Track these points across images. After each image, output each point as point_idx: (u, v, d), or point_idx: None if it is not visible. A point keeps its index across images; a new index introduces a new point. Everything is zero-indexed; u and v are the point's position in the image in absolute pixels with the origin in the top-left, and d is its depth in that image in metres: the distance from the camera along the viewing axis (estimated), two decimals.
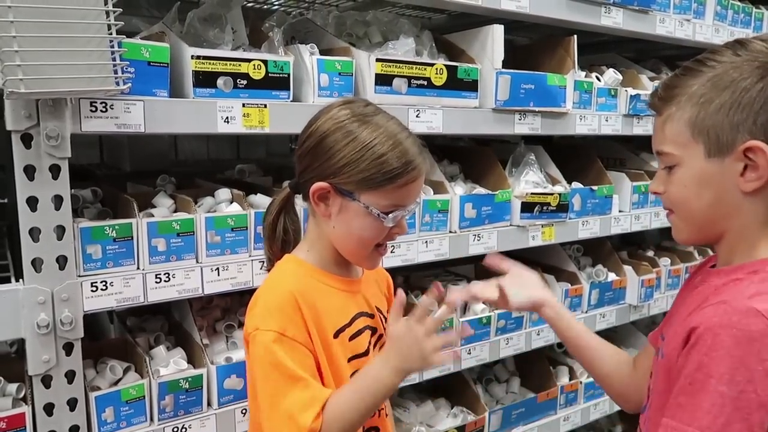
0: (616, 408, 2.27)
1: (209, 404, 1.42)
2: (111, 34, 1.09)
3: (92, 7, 1.08)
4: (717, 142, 0.81)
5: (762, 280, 0.80)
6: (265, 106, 1.38)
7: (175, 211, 1.43)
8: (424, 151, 1.05)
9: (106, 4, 1.09)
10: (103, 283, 1.24)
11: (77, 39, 1.06)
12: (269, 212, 1.15)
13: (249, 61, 1.35)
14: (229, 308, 1.66)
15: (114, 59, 1.10)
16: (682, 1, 2.16)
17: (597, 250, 2.39)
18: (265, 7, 2.01)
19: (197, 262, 1.35)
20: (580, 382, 2.18)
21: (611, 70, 2.09)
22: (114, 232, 1.25)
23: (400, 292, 1.00)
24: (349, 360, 1.06)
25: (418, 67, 1.58)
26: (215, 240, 1.36)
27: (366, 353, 1.09)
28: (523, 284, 1.18)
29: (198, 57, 1.29)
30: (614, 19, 1.96)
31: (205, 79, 1.31)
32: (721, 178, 0.82)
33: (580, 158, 2.25)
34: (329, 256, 1.08)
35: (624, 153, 2.51)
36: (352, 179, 0.99)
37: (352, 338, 1.07)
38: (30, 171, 1.14)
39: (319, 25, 1.67)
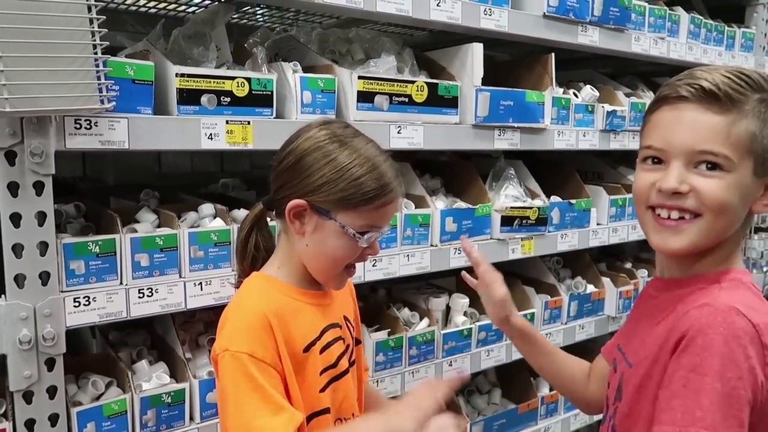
0: (597, 418, 2.31)
1: (191, 418, 1.43)
2: (96, 53, 1.11)
3: (77, 27, 1.10)
4: (763, 163, 0.86)
5: (729, 287, 0.85)
6: (249, 123, 1.40)
7: (159, 226, 1.45)
8: (399, 175, 1.08)
9: (91, 23, 1.11)
10: (86, 299, 1.26)
11: (62, 58, 1.08)
12: (242, 228, 1.17)
13: (233, 78, 1.38)
14: (212, 322, 1.67)
15: (99, 78, 1.13)
16: (656, 20, 2.23)
17: (576, 263, 2.44)
18: (249, 23, 2.04)
19: (180, 276, 1.37)
20: (559, 395, 2.22)
21: (588, 86, 2.15)
22: (97, 247, 1.27)
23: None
24: (321, 372, 1.08)
25: (399, 84, 1.62)
26: (198, 255, 1.38)
27: (335, 364, 1.11)
28: (493, 285, 1.25)
29: (182, 75, 1.32)
30: (591, 38, 2.03)
31: (189, 97, 1.33)
32: (750, 194, 0.87)
33: (559, 172, 2.31)
34: (300, 272, 1.10)
35: (601, 167, 2.57)
36: (329, 198, 1.01)
37: (322, 351, 1.09)
38: (13, 188, 1.16)
39: (302, 43, 1.71)
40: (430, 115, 1.70)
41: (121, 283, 1.30)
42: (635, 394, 0.88)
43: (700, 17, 2.43)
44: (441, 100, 1.72)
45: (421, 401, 1.00)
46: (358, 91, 1.55)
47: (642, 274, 2.54)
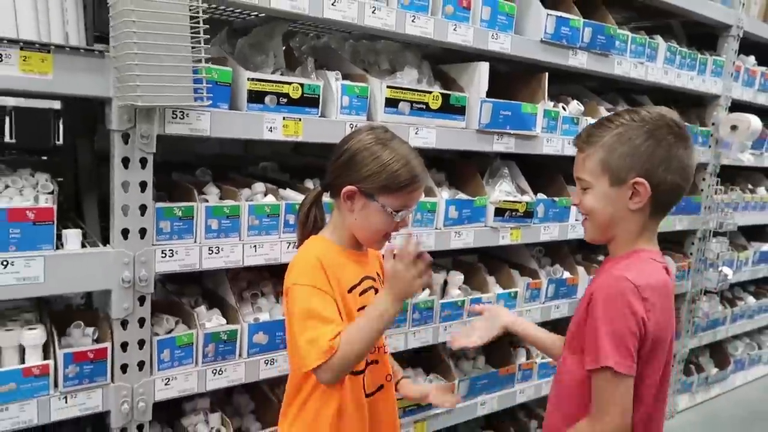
0: None
1: (240, 354, 1.81)
2: (201, 61, 1.48)
3: (182, 40, 1.46)
4: (617, 176, 1.25)
5: (630, 261, 1.26)
6: (300, 119, 1.78)
7: (221, 199, 1.83)
8: (425, 169, 1.46)
9: (198, 34, 1.47)
10: (171, 251, 1.63)
11: (176, 66, 1.45)
12: (304, 204, 1.55)
13: (290, 83, 1.76)
14: (252, 281, 2.05)
15: (200, 81, 1.50)
16: (637, 47, 2.64)
17: (556, 252, 2.85)
18: (289, 28, 2.41)
19: (240, 240, 1.75)
20: (535, 362, 2.64)
21: (575, 101, 2.55)
22: (180, 212, 1.64)
23: (389, 245, 1.39)
24: (359, 310, 1.47)
25: (419, 93, 2.01)
26: (255, 223, 1.76)
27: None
28: (496, 315, 1.66)
29: (252, 79, 1.69)
30: (579, 60, 2.43)
31: (256, 97, 1.71)
32: (617, 199, 1.27)
33: (546, 174, 2.71)
34: (347, 238, 1.48)
35: None
36: (374, 186, 1.39)
37: (361, 294, 1.48)
38: (126, 162, 1.53)
39: (342, 56, 2.08)
40: (442, 120, 2.09)
41: (195, 242, 1.68)
42: (572, 336, 1.31)
43: (676, 46, 2.84)
44: (452, 108, 2.11)
45: (393, 280, 1.31)
46: (386, 98, 1.94)
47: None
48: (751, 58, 3.34)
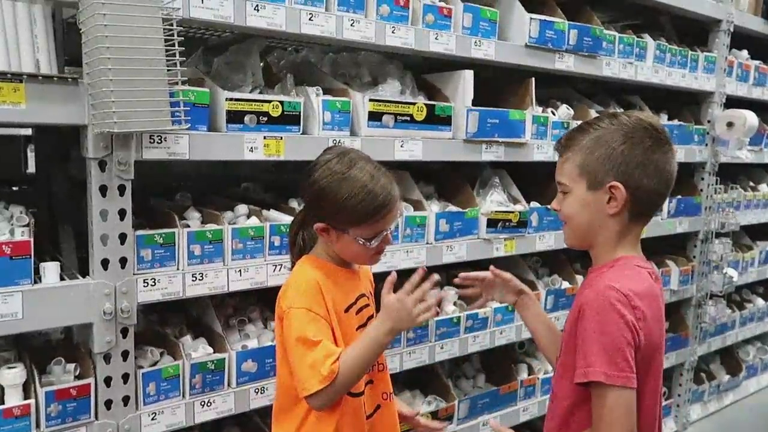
0: None
1: (229, 384, 1.85)
2: (177, 83, 1.54)
3: (157, 64, 1.52)
4: (594, 180, 1.31)
5: (615, 270, 1.30)
6: (281, 138, 1.84)
7: (203, 223, 1.87)
8: (393, 182, 1.50)
9: (173, 56, 1.53)
10: (153, 280, 1.68)
11: (152, 90, 1.50)
12: (291, 228, 1.62)
13: (269, 101, 1.82)
14: (238, 307, 2.10)
15: (177, 104, 1.55)
16: (625, 47, 2.73)
17: (554, 262, 2.91)
18: (267, 43, 2.47)
19: (224, 264, 1.80)
20: (538, 378, 2.69)
21: (564, 105, 2.63)
22: (161, 239, 1.69)
23: (393, 273, 1.45)
24: (357, 329, 1.52)
25: (403, 105, 2.08)
26: (239, 247, 1.81)
27: (365, 324, 1.56)
28: (511, 284, 1.70)
29: (231, 99, 1.75)
30: (566, 63, 2.51)
31: (235, 117, 1.76)
32: (594, 203, 1.32)
33: (539, 181, 2.78)
34: (337, 256, 1.55)
35: None
36: (343, 221, 1.45)
37: (357, 312, 1.54)
38: (103, 190, 1.58)
39: (320, 69, 2.15)
40: (428, 131, 2.16)
41: (178, 269, 1.73)
42: (565, 351, 1.35)
43: (666, 43, 2.93)
44: (437, 119, 2.18)
45: (393, 313, 1.39)
46: (369, 112, 2.00)
47: None
48: (744, 53, 3.45)
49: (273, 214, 1.95)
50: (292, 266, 1.61)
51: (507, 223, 2.44)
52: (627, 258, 1.33)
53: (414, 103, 2.11)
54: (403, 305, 1.38)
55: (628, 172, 1.28)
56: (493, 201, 2.44)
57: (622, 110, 2.95)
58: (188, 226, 1.80)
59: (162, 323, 2.02)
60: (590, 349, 1.23)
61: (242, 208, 1.94)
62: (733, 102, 3.34)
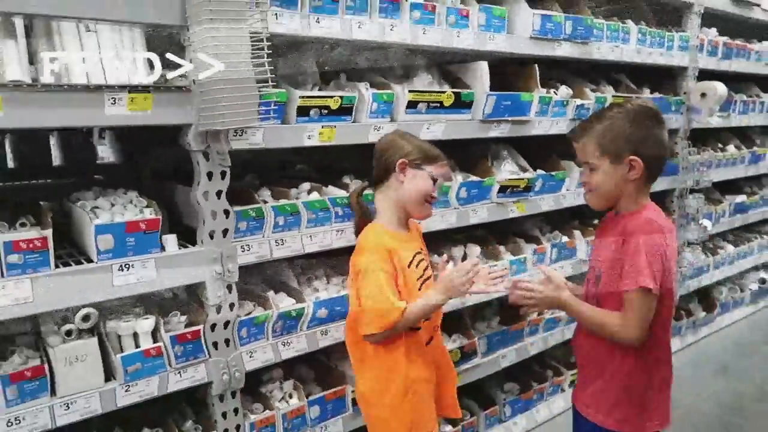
0: (568, 336, 3.21)
1: (300, 328, 2.22)
2: (268, 88, 1.87)
3: (248, 67, 1.85)
4: (616, 156, 1.68)
5: (648, 211, 1.69)
6: (334, 126, 2.18)
7: (274, 199, 2.22)
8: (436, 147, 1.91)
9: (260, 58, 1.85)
10: (248, 246, 2.04)
11: (247, 94, 1.84)
12: (352, 196, 1.98)
13: (332, 97, 2.16)
14: (306, 267, 2.47)
15: (267, 103, 1.89)
16: (612, 33, 3.08)
17: (555, 220, 3.31)
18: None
19: (299, 231, 2.16)
20: (543, 318, 3.11)
21: (563, 86, 2.99)
22: (254, 213, 2.04)
23: (444, 256, 1.84)
24: (417, 279, 1.90)
25: (435, 94, 2.42)
26: (311, 217, 2.17)
27: (423, 274, 1.94)
28: (555, 283, 1.97)
29: (303, 96, 2.09)
30: (564, 50, 2.86)
31: (303, 111, 2.11)
32: (617, 173, 1.69)
33: (537, 152, 3.15)
34: (396, 220, 1.92)
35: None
36: (417, 158, 1.84)
37: (417, 265, 1.91)
38: (210, 175, 1.92)
39: (366, 68, 2.49)
40: (453, 115, 2.51)
41: (264, 236, 2.08)
42: (607, 279, 1.73)
43: (647, 27, 3.29)
44: (462, 104, 2.53)
45: (448, 284, 1.79)
46: (408, 101, 2.35)
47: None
48: (713, 30, 3.81)
49: (331, 189, 2.31)
50: (356, 227, 1.97)
51: (515, 189, 2.81)
52: (651, 204, 1.73)
53: (444, 92, 2.45)
54: (454, 279, 1.78)
55: (640, 147, 1.66)
56: (506, 170, 2.80)
57: (611, 88, 3.32)
58: (266, 201, 2.16)
59: (244, 282, 2.38)
60: (640, 263, 1.60)
61: (306, 185, 2.29)
62: (705, 74, 3.72)
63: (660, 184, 3.60)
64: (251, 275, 2.44)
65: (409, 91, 2.34)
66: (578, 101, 3.00)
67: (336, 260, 2.45)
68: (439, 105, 2.45)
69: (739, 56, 3.98)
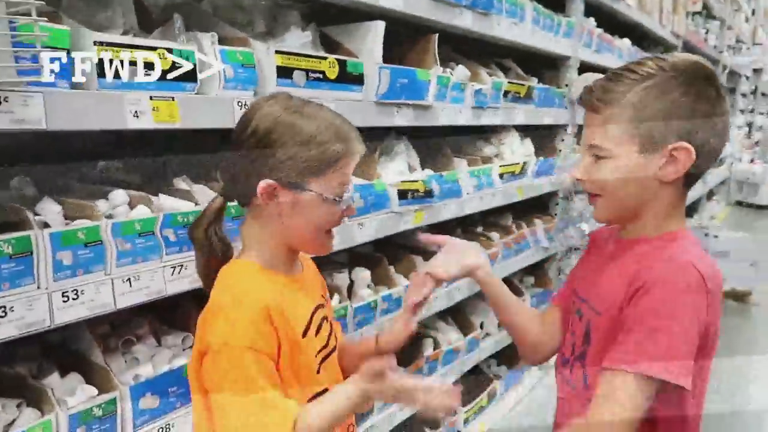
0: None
1: (123, 430, 1.32)
2: (34, 23, 0.95)
3: None
4: (650, 141, 1.03)
5: (682, 244, 1.06)
6: (173, 99, 1.31)
7: (67, 219, 1.28)
8: (355, 129, 1.11)
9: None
10: (1, 310, 1.09)
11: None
12: (199, 225, 1.13)
13: (155, 48, 1.27)
14: (117, 322, 1.53)
15: (24, 45, 0.97)
16: (510, 7, 2.51)
17: (442, 231, 2.68)
18: None
19: (107, 273, 1.24)
20: (442, 350, 2.46)
21: (461, 66, 2.36)
22: (10, 247, 1.10)
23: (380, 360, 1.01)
24: (317, 354, 1.11)
25: (314, 60, 1.63)
26: (125, 248, 1.26)
27: (327, 344, 1.15)
28: (461, 251, 1.29)
29: (102, 43, 1.18)
30: (465, 20, 2.22)
31: (109, 69, 1.20)
32: (645, 170, 1.04)
33: (427, 147, 2.50)
34: (279, 255, 1.11)
35: (462, 141, 2.84)
36: (298, 171, 1.03)
37: (317, 333, 1.12)
38: None
39: (212, 14, 1.61)
40: (340, 92, 1.74)
41: (39, 288, 1.14)
42: (607, 338, 1.06)
43: (541, 6, 2.79)
44: (349, 77, 1.76)
45: (378, 386, 1.00)
46: (277, 67, 1.53)
47: (495, 237, 2.89)
48: (592, 20, 3.48)
49: (165, 200, 1.41)
50: (204, 270, 1.14)
51: (415, 194, 2.12)
52: (685, 232, 1.09)
53: (325, 58, 1.67)
54: (385, 387, 0.99)
55: (695, 130, 1.02)
56: (395, 170, 2.10)
57: (502, 74, 2.77)
58: (47, 224, 1.21)
59: (9, 360, 1.39)
60: (654, 336, 0.96)
61: (120, 195, 1.36)
62: (582, 67, 3.36)
63: (543, 186, 3.16)
64: (20, 347, 1.45)
65: (277, 52, 1.52)
66: (476, 85, 2.39)
67: (172, 314, 1.56)
68: (321, 77, 1.67)
69: (609, 51, 3.71)
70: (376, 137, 2.26)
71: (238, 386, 0.97)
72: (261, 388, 0.97)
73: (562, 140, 3.30)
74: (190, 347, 1.55)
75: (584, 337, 1.14)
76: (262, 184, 1.03)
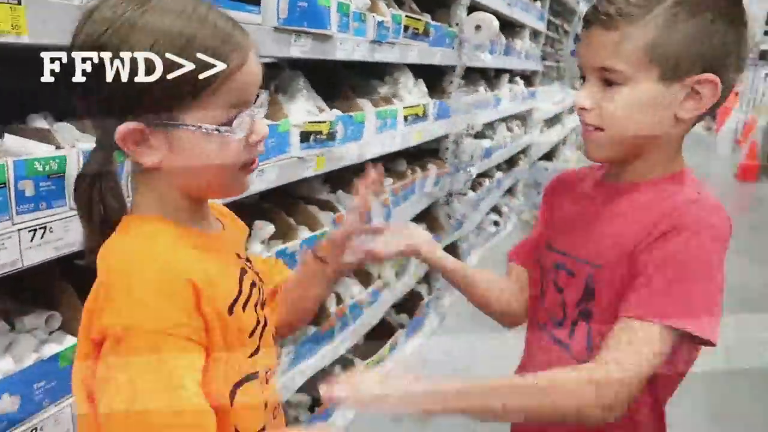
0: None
1: None
2: None
3: None
4: (675, 68, 0.87)
5: (698, 185, 0.93)
6: (19, 2, 0.95)
7: None
8: (236, 22, 0.80)
9: None
10: None
11: None
12: (79, 184, 0.81)
13: None
14: None
15: None
16: None
17: (341, 179, 2.47)
18: None
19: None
20: (347, 306, 2.30)
21: None
22: None
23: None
24: (251, 334, 0.88)
25: None
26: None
27: (258, 323, 0.92)
28: (407, 234, 1.16)
29: None
30: None
31: None
32: (663, 102, 0.89)
33: (328, 85, 2.26)
34: (186, 208, 0.84)
35: (357, 79, 2.61)
36: (170, 96, 0.73)
37: (245, 307, 0.88)
38: None
39: None
40: (236, 12, 1.43)
41: None
42: (617, 290, 0.91)
43: None
44: None
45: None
46: None
47: (387, 183, 2.73)
48: None
49: (13, 141, 1.05)
50: (90, 251, 0.83)
51: (318, 136, 1.89)
52: (690, 172, 0.96)
53: None
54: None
55: (723, 61, 0.87)
56: (303, 110, 1.85)
57: (397, 6, 2.56)
58: None
59: None
60: (694, 286, 0.84)
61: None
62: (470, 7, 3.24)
63: (439, 128, 3.03)
64: None
65: None
66: (377, 17, 2.16)
67: (35, 291, 1.21)
68: None
69: None
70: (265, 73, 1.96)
71: (146, 385, 0.72)
72: (182, 387, 0.72)
73: (451, 82, 3.19)
74: (59, 329, 1.23)
75: (584, 292, 0.99)
76: (123, 128, 0.73)
